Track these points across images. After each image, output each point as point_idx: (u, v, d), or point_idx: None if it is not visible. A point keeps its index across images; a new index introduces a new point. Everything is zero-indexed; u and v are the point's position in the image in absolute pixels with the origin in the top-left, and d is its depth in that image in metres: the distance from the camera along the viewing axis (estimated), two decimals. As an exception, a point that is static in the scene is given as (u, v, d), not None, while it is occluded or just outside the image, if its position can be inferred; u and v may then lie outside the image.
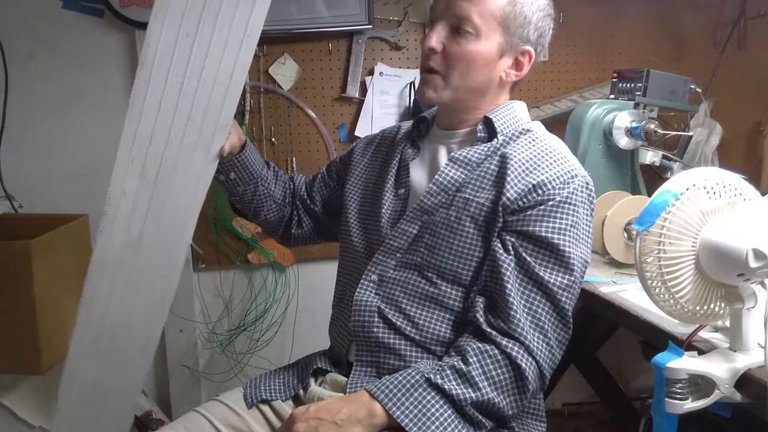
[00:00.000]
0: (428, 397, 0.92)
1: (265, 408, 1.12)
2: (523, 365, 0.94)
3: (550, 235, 0.97)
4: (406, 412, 0.91)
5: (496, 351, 0.94)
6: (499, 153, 1.04)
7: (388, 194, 1.11)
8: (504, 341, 0.94)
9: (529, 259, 0.97)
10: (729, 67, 1.95)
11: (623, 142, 1.60)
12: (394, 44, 1.88)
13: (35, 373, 1.49)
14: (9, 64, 1.73)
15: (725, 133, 1.89)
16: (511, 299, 0.95)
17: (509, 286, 0.96)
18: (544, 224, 0.98)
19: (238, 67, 1.03)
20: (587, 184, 1.03)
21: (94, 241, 1.73)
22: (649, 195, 1.07)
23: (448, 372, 0.94)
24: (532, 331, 0.95)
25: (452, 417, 0.92)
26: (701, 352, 0.95)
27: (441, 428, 0.90)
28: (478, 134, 1.08)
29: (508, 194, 0.99)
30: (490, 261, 0.99)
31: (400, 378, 0.95)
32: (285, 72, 1.85)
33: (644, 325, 1.11)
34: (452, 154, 1.07)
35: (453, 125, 1.12)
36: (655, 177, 1.79)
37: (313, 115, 1.88)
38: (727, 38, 1.96)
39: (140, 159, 1.04)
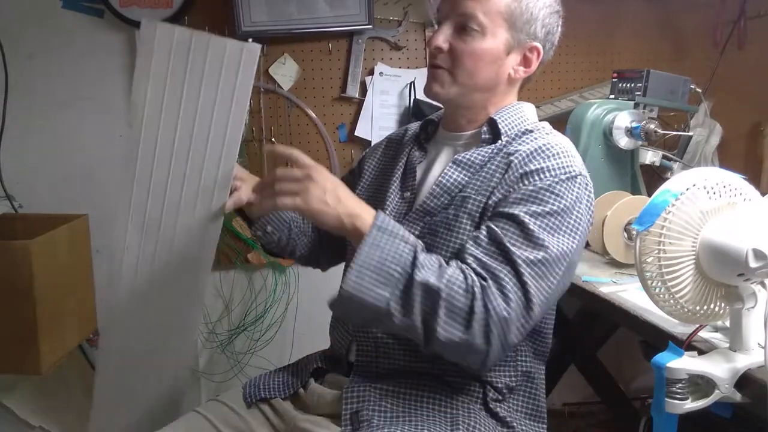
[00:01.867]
0: (397, 245, 0.90)
1: (265, 407, 1.12)
2: (476, 295, 0.89)
3: (522, 214, 0.94)
4: (372, 242, 0.89)
5: (471, 277, 0.90)
6: (502, 153, 1.04)
7: (393, 196, 1.11)
8: (471, 273, 0.91)
9: (498, 232, 0.94)
10: (729, 67, 1.95)
11: (623, 142, 1.60)
12: (394, 44, 1.88)
13: (35, 373, 1.49)
14: (9, 64, 1.74)
15: (725, 133, 1.89)
16: (474, 264, 0.93)
17: (472, 256, 0.93)
18: (521, 206, 0.96)
19: (231, 126, 1.01)
20: (586, 184, 1.02)
21: (94, 241, 1.75)
22: (649, 195, 1.07)
23: (434, 258, 0.92)
24: (494, 288, 0.91)
25: (400, 274, 0.88)
26: (701, 352, 0.95)
27: (381, 263, 0.88)
28: (483, 136, 1.07)
29: (501, 189, 0.99)
30: (466, 239, 0.98)
31: (402, 233, 0.92)
32: (285, 72, 1.86)
33: (644, 325, 1.11)
34: (456, 156, 1.07)
35: (459, 127, 1.12)
36: (655, 177, 1.80)
37: (313, 115, 1.88)
38: (727, 38, 1.96)
39: (140, 214, 1.03)
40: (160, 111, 1.00)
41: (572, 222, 0.97)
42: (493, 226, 0.95)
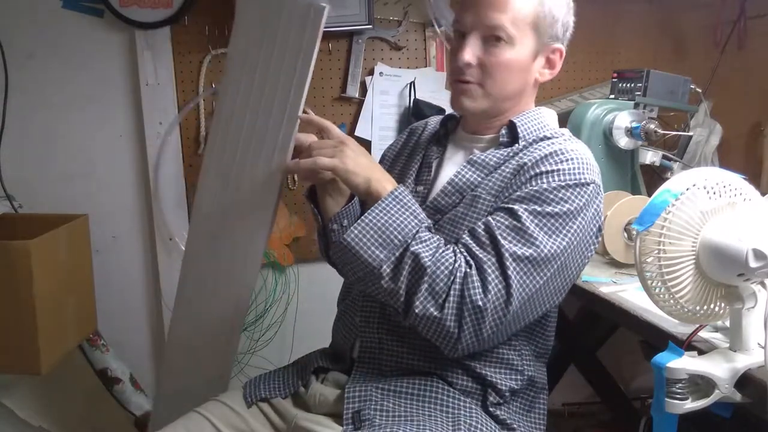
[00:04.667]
0: (406, 216, 0.95)
1: (265, 407, 1.12)
2: (457, 279, 0.92)
3: (521, 211, 0.95)
4: (385, 207, 0.95)
5: (459, 261, 0.94)
6: (516, 158, 1.04)
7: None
8: (460, 257, 0.95)
9: (493, 225, 0.96)
10: (729, 67, 1.95)
11: (623, 142, 1.60)
12: (394, 44, 1.88)
13: (35, 373, 1.49)
14: (9, 64, 1.74)
15: (725, 133, 1.89)
16: (464, 251, 0.96)
17: (467, 239, 0.97)
18: (523, 204, 0.96)
19: (295, 87, 1.04)
20: (597, 194, 1.01)
21: (94, 241, 1.75)
22: (649, 195, 1.07)
23: (435, 238, 0.96)
24: (475, 276, 0.93)
25: (399, 239, 0.94)
26: (701, 352, 0.95)
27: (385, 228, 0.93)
28: (501, 138, 1.08)
29: (510, 190, 1.00)
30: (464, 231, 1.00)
31: (416, 208, 0.98)
32: (285, 72, 1.85)
33: (644, 325, 1.11)
34: (471, 156, 1.08)
35: (480, 130, 1.12)
36: (655, 177, 1.80)
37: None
38: (727, 38, 1.96)
39: (218, 161, 1.10)
40: (243, 64, 1.06)
41: (574, 227, 0.97)
42: (490, 219, 0.97)
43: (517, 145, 1.06)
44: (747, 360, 0.90)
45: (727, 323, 0.96)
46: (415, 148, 1.19)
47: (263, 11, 1.04)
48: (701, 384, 0.91)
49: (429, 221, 0.99)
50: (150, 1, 1.74)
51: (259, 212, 1.10)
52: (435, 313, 0.92)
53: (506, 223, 0.95)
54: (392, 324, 1.04)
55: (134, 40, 1.78)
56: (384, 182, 0.98)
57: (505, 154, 1.05)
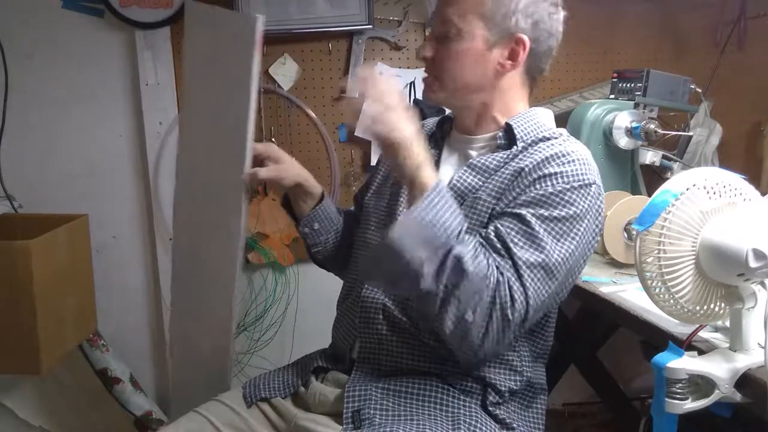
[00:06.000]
0: (450, 214, 0.91)
1: (265, 406, 1.12)
2: (488, 296, 0.90)
3: (529, 216, 0.95)
4: (427, 203, 0.90)
5: (492, 267, 0.92)
6: (516, 160, 1.03)
7: (405, 192, 1.11)
8: (495, 270, 0.92)
9: (502, 229, 0.95)
10: (729, 67, 1.95)
11: (623, 142, 1.60)
12: (394, 44, 1.88)
13: (35, 373, 1.49)
14: (9, 64, 1.74)
15: (725, 133, 1.89)
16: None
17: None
18: (530, 208, 0.96)
19: (238, 101, 1.08)
20: (599, 194, 1.01)
21: (94, 241, 1.75)
22: (649, 195, 1.07)
23: (472, 239, 0.93)
24: (506, 289, 0.91)
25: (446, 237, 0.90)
26: (701, 352, 0.95)
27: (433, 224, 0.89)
28: (498, 141, 1.08)
29: (513, 192, 0.99)
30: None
31: (456, 206, 0.94)
32: (285, 72, 1.86)
33: (644, 325, 1.11)
34: (470, 160, 1.07)
35: (469, 130, 1.12)
36: (655, 177, 1.80)
37: (313, 115, 1.88)
38: (727, 38, 1.96)
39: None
40: (200, 81, 1.14)
41: (581, 230, 0.97)
42: (499, 225, 0.96)
43: (515, 147, 1.05)
44: (747, 360, 0.90)
45: (727, 323, 0.96)
46: None
47: (207, 30, 1.09)
48: (701, 384, 0.91)
49: (466, 219, 0.95)
50: (150, 1, 1.74)
51: (228, 221, 1.13)
52: (468, 318, 0.90)
53: (515, 228, 0.95)
54: (392, 325, 1.04)
55: (134, 40, 1.78)
56: (429, 169, 0.94)
57: (504, 156, 1.05)
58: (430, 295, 0.90)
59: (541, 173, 0.98)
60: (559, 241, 0.95)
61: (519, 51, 1.05)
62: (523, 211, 0.95)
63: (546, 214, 0.95)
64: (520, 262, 0.92)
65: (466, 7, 1.04)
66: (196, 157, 1.17)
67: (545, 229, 0.94)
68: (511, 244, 0.93)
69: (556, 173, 0.98)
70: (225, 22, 1.06)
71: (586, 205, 0.98)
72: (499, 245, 0.94)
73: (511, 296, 0.91)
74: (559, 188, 0.97)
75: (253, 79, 1.06)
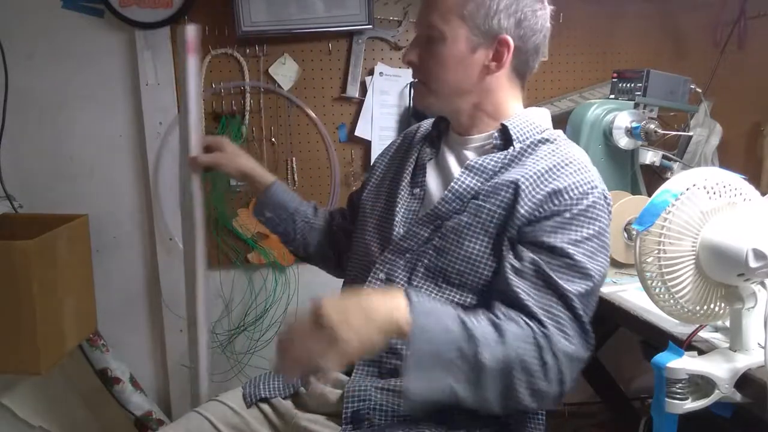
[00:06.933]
0: (443, 325, 0.87)
1: (265, 406, 1.12)
2: (543, 345, 0.88)
3: (565, 245, 0.94)
4: (417, 336, 0.85)
5: (529, 325, 0.90)
6: (515, 162, 1.03)
7: (403, 192, 1.11)
8: (526, 319, 0.91)
9: (545, 267, 0.94)
10: (729, 67, 1.95)
11: (623, 142, 1.60)
12: (394, 44, 1.88)
13: (35, 373, 1.49)
14: (9, 64, 1.73)
15: (725, 133, 1.88)
16: (528, 302, 0.93)
17: (523, 293, 0.93)
18: (560, 235, 0.95)
19: (184, 105, 1.24)
20: (605, 197, 1.01)
21: (94, 241, 1.75)
22: (649, 195, 1.07)
23: (483, 320, 0.90)
24: (554, 329, 0.92)
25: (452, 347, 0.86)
26: (701, 352, 0.95)
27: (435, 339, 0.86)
28: (494, 142, 1.07)
29: (524, 206, 0.97)
30: (506, 271, 0.96)
31: (440, 307, 0.92)
32: (285, 72, 1.85)
33: (644, 325, 1.11)
34: (468, 162, 1.06)
35: (464, 130, 1.12)
36: (655, 177, 1.79)
37: (313, 115, 1.88)
38: (727, 38, 1.96)
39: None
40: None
41: (605, 241, 0.99)
42: (537, 259, 0.94)
43: (512, 148, 1.05)
44: (747, 360, 0.90)
45: (727, 323, 0.96)
46: (409, 150, 1.18)
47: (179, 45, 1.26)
48: (701, 384, 0.91)
49: (458, 309, 0.92)
50: (150, 1, 1.74)
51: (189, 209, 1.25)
52: (541, 387, 0.89)
53: (557, 262, 0.94)
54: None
55: (134, 40, 1.78)
56: (393, 314, 0.86)
57: (503, 157, 1.05)
58: (485, 402, 0.89)
59: (553, 187, 0.98)
60: (594, 259, 0.96)
61: (503, 52, 1.04)
62: (557, 243, 0.95)
63: (577, 237, 0.95)
64: (571, 296, 0.93)
65: (448, 9, 1.03)
66: (182, 155, 1.27)
67: (582, 253, 0.95)
68: (559, 281, 0.93)
69: (566, 187, 0.97)
70: (180, 34, 1.24)
71: (602, 213, 0.99)
72: (540, 284, 0.94)
73: (566, 335, 0.91)
74: (582, 207, 0.97)
75: (190, 79, 1.21)
